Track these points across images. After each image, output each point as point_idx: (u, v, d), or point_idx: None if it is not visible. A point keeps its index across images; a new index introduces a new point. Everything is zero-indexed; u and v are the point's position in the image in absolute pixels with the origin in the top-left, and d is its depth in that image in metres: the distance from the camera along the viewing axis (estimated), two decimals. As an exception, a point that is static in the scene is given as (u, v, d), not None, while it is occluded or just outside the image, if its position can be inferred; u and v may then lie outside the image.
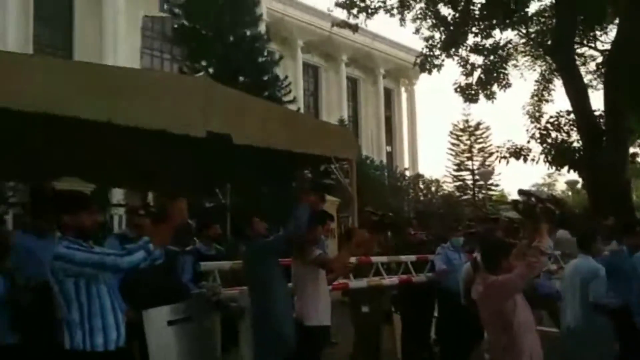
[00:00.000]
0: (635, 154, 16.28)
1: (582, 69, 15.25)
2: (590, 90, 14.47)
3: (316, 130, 6.49)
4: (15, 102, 3.58)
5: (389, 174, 30.69)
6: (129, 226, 5.53)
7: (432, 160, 73.91)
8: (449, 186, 34.74)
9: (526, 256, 3.45)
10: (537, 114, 15.53)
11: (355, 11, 13.09)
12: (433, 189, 33.62)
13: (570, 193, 31.51)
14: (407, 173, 33.78)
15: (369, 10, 13.02)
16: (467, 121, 33.35)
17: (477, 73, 13.02)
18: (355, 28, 13.62)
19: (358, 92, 37.42)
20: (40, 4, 20.83)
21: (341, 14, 13.65)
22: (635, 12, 11.00)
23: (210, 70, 14.97)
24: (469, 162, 34.08)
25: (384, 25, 57.01)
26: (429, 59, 13.32)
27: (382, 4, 13.02)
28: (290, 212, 3.77)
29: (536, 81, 16.09)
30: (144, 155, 5.73)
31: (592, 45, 14.86)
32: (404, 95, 40.92)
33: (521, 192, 3.91)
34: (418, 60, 13.70)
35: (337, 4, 13.00)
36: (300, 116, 11.54)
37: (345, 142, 6.67)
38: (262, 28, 18.79)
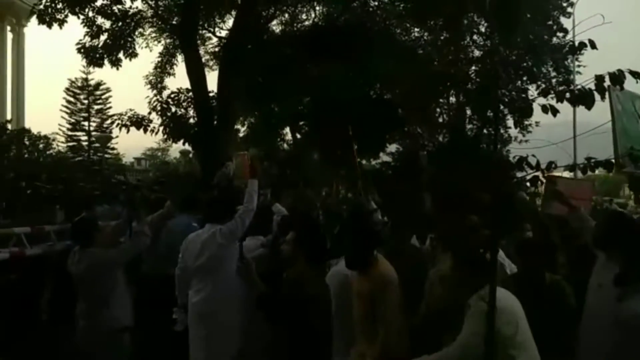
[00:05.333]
0: (237, 130, 19.04)
1: (202, 49, 16.56)
2: (207, 70, 15.87)
3: None
4: None
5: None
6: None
7: (44, 116, 66.13)
8: (61, 146, 32.53)
9: None
10: (160, 86, 16.18)
11: None
12: (41, 146, 30.83)
13: (183, 161, 34.04)
14: (9, 126, 29.95)
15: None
16: (86, 79, 31.79)
17: (103, 37, 12.51)
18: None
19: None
20: None
21: None
22: (246, 9, 12.69)
23: None
24: (86, 123, 32.69)
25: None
26: (49, 11, 12.06)
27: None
28: None
29: (160, 53, 16.63)
30: None
31: (212, 29, 16.24)
32: (9, 36, 35.39)
33: None
34: (36, 10, 12.21)
35: None
36: None
37: None
38: None
